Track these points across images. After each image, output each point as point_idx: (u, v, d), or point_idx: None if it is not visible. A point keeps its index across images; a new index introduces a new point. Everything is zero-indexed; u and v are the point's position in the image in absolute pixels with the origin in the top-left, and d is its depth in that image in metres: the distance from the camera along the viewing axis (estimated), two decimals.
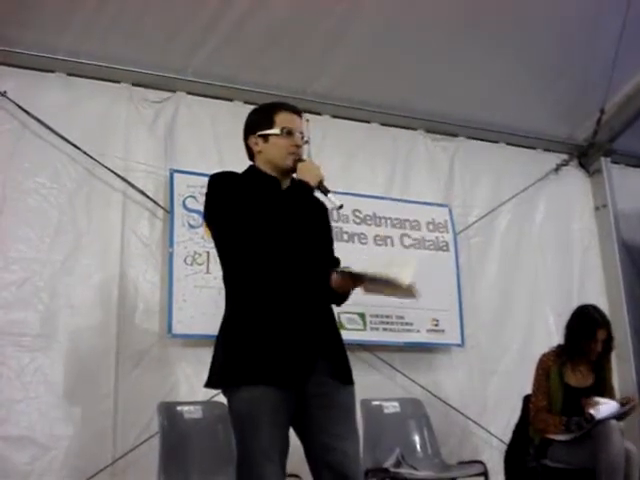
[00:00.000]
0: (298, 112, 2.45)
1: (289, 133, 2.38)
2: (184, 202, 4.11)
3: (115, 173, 4.02)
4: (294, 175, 2.38)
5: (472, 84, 4.67)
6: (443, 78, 4.56)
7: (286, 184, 2.41)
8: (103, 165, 4.00)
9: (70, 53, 3.98)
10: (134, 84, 4.24)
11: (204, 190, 4.07)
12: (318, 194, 2.40)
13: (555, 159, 5.46)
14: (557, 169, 5.43)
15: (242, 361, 2.21)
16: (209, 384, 2.32)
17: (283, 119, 2.39)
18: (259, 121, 2.43)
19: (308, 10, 4.04)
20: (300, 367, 2.21)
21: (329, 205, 2.44)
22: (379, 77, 4.43)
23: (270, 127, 2.39)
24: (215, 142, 4.36)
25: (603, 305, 4.82)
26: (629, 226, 5.46)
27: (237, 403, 2.23)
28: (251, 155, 2.48)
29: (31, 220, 3.81)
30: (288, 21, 4.06)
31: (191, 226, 4.09)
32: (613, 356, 4.49)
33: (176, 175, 4.14)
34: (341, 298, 2.41)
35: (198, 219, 4.11)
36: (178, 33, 4.02)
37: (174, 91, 4.35)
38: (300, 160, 2.39)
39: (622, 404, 3.72)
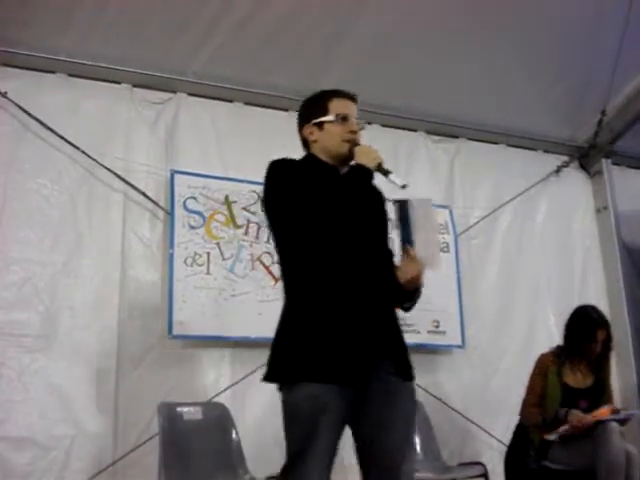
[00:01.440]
0: (353, 98, 2.42)
1: (344, 119, 2.35)
2: (185, 203, 4.11)
3: (116, 174, 4.03)
4: (352, 163, 2.33)
5: (473, 86, 4.67)
6: (444, 79, 4.56)
7: (344, 172, 2.36)
8: (104, 166, 4.00)
9: (71, 54, 3.98)
10: (135, 85, 4.24)
11: (204, 191, 4.17)
12: (378, 178, 2.36)
13: (556, 160, 5.46)
14: (558, 170, 5.43)
15: (304, 356, 2.12)
16: (267, 378, 2.21)
17: (337, 106, 2.37)
18: (313, 110, 2.40)
19: (308, 11, 4.04)
20: (364, 365, 2.13)
21: (393, 185, 2.36)
22: (380, 78, 4.42)
23: (324, 114, 2.36)
24: (216, 143, 4.37)
25: (604, 306, 4.83)
26: (630, 228, 5.45)
27: (295, 400, 2.13)
28: (306, 145, 2.43)
29: (32, 221, 3.81)
30: (289, 22, 4.06)
31: (191, 227, 4.09)
32: (613, 357, 4.50)
33: (177, 176, 4.14)
34: (410, 295, 2.33)
35: (198, 220, 4.11)
36: (179, 34, 4.03)
37: (175, 92, 4.35)
38: (356, 145, 2.35)
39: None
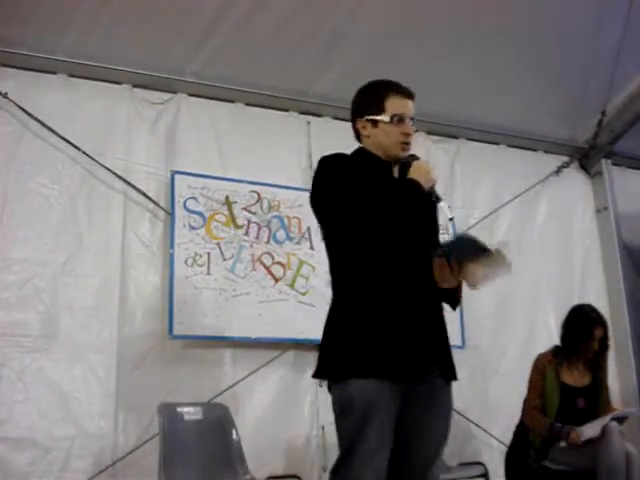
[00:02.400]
0: (411, 95, 2.33)
1: (400, 120, 2.27)
2: (185, 203, 4.11)
3: (116, 174, 4.03)
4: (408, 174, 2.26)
5: (473, 86, 4.67)
6: (444, 80, 4.56)
7: (397, 170, 2.32)
8: (104, 166, 4.00)
9: (71, 54, 3.99)
10: (135, 85, 4.25)
11: (205, 191, 4.17)
12: None
13: (556, 161, 5.46)
14: (558, 171, 5.43)
15: (356, 352, 2.10)
16: (317, 374, 2.19)
17: (394, 104, 2.27)
18: (368, 104, 2.30)
19: (309, 11, 4.04)
20: (417, 363, 2.11)
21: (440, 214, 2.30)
22: (380, 78, 4.42)
23: (380, 112, 2.27)
24: (216, 143, 4.37)
25: (603, 307, 4.83)
26: (630, 228, 5.45)
27: (347, 394, 2.09)
28: (358, 136, 2.38)
29: (32, 221, 3.81)
30: (289, 22, 4.06)
31: (192, 227, 4.09)
32: (613, 357, 4.51)
33: (177, 176, 4.15)
34: (452, 295, 2.27)
35: (199, 220, 4.12)
36: (179, 34, 4.03)
37: (175, 92, 4.35)
38: (414, 157, 2.29)
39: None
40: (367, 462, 2.04)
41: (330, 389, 2.18)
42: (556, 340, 4.16)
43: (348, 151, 2.33)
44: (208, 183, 4.20)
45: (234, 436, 3.59)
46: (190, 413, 3.60)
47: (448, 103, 4.81)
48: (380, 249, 2.16)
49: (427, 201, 2.23)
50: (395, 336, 2.11)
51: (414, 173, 2.23)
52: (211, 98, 4.44)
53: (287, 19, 4.04)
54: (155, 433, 3.56)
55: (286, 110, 4.34)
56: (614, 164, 5.58)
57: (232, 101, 4.48)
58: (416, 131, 5.10)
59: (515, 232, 5.14)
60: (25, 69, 3.98)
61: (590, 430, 3.63)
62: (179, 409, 3.60)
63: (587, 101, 5.07)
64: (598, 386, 3.92)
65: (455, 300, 2.30)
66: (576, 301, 4.49)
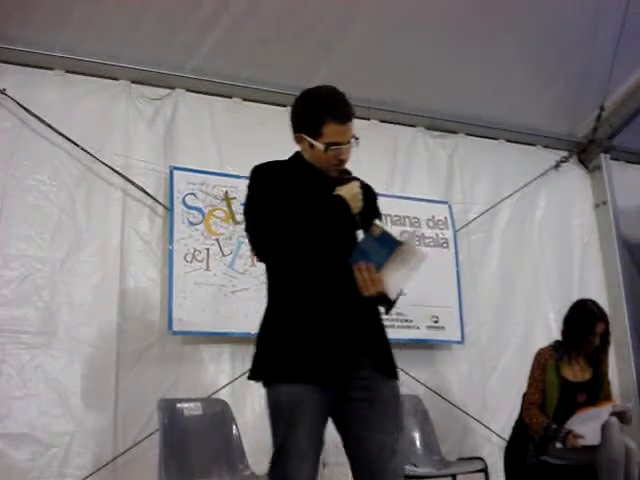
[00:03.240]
0: (349, 119, 2.28)
1: (335, 148, 2.25)
2: (184, 199, 4.11)
3: (115, 170, 4.02)
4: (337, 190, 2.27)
5: (472, 81, 4.67)
6: (442, 75, 4.56)
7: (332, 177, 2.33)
8: (103, 162, 4.00)
9: (69, 50, 3.98)
10: (133, 81, 4.24)
11: (203, 187, 4.17)
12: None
13: (555, 156, 5.46)
14: (557, 166, 5.43)
15: (283, 358, 2.17)
16: (252, 377, 2.28)
17: (330, 132, 2.24)
18: (306, 123, 2.28)
19: (307, 7, 4.04)
20: (341, 365, 2.17)
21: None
22: (378, 74, 4.43)
23: (316, 136, 2.25)
24: (214, 139, 4.37)
25: (603, 302, 4.83)
26: (629, 223, 5.46)
27: (277, 399, 2.20)
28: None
29: (31, 217, 3.81)
30: (286, 18, 4.06)
31: (191, 223, 4.09)
32: (613, 353, 4.50)
33: (176, 172, 4.14)
34: (383, 299, 2.26)
35: (198, 216, 4.11)
36: (177, 30, 4.02)
37: (173, 88, 4.35)
38: (348, 176, 2.31)
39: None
40: (296, 463, 2.12)
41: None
42: (555, 335, 4.16)
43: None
44: (207, 179, 4.20)
45: (234, 432, 3.59)
46: (190, 409, 3.60)
47: (447, 98, 4.81)
48: (303, 263, 2.21)
49: (350, 220, 2.24)
50: (318, 342, 2.16)
51: (345, 192, 2.24)
52: (209, 94, 4.43)
53: (285, 14, 4.04)
54: (155, 429, 3.56)
55: (284, 105, 4.32)
56: (613, 159, 5.58)
57: (230, 97, 4.48)
58: (415, 126, 5.15)
59: (514, 227, 5.15)
60: (23, 65, 3.97)
61: (590, 436, 3.60)
62: (179, 405, 3.60)
63: (586, 96, 5.07)
64: (599, 381, 3.92)
65: (387, 302, 2.30)
66: (575, 296, 4.49)
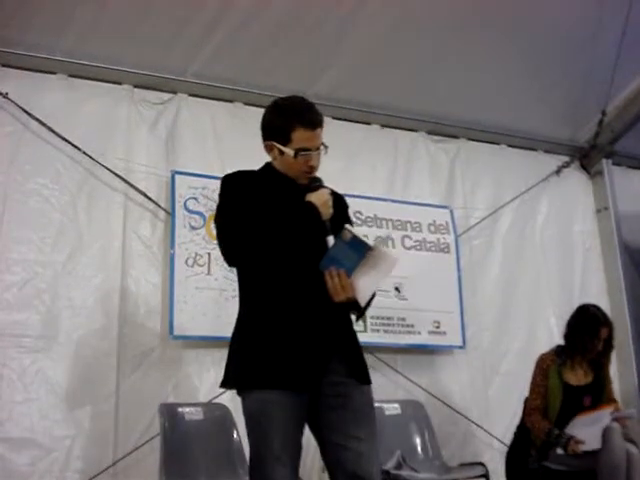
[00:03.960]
0: (317, 125, 2.30)
1: (304, 154, 2.27)
2: (185, 203, 4.11)
3: (116, 174, 4.03)
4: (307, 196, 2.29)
5: (473, 86, 4.67)
6: (444, 80, 4.57)
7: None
8: (104, 166, 4.00)
9: (71, 54, 3.98)
10: (135, 85, 4.24)
11: (205, 191, 4.16)
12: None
13: (556, 161, 5.46)
14: (558, 171, 5.43)
15: (254, 365, 2.19)
16: (224, 384, 2.31)
17: (299, 137, 2.26)
18: (275, 131, 2.31)
19: (309, 11, 4.04)
20: (312, 370, 2.18)
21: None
22: (380, 79, 4.43)
23: (285, 143, 2.27)
24: (216, 143, 4.37)
25: (604, 307, 4.80)
26: (630, 228, 5.45)
27: (250, 406, 2.22)
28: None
29: (32, 221, 3.81)
30: (289, 22, 4.06)
31: (192, 227, 4.09)
32: (614, 357, 4.49)
33: (177, 176, 4.14)
34: (353, 306, 2.26)
35: (199, 220, 4.11)
36: (179, 35, 4.03)
37: (175, 92, 4.35)
38: (318, 183, 2.32)
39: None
40: (273, 467, 2.13)
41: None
42: (557, 340, 4.16)
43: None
44: (208, 183, 4.19)
45: (235, 436, 3.59)
46: (191, 413, 3.61)
47: (448, 103, 4.81)
48: (273, 269, 2.23)
49: (320, 226, 2.25)
50: (288, 347, 2.18)
51: (315, 199, 2.26)
52: (211, 98, 4.44)
53: (287, 19, 4.04)
54: (156, 433, 3.56)
55: None
56: (614, 164, 5.58)
57: (232, 101, 4.49)
58: (416, 131, 5.15)
59: (515, 232, 5.15)
60: (26, 69, 3.97)
61: (590, 441, 3.60)
62: (180, 409, 3.60)
63: (587, 101, 5.07)
64: (601, 383, 3.92)
65: (357, 309, 2.29)
66: (577, 301, 4.49)
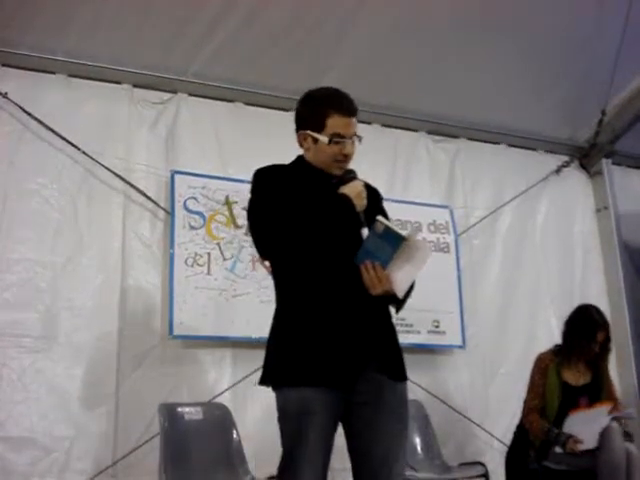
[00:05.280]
0: (353, 112, 2.30)
1: (338, 142, 2.25)
2: (185, 203, 4.11)
3: (116, 174, 4.02)
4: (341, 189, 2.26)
5: (473, 85, 4.67)
6: (444, 79, 4.56)
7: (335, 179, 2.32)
8: (104, 166, 4.00)
9: (71, 54, 3.98)
10: (135, 85, 4.24)
11: (205, 191, 4.17)
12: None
13: (556, 160, 5.46)
14: (558, 170, 5.43)
15: (291, 361, 2.17)
16: (262, 382, 2.27)
17: (334, 124, 2.25)
18: (309, 119, 2.29)
19: (309, 12, 4.04)
20: (349, 366, 2.15)
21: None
22: (380, 78, 4.43)
23: (320, 130, 2.26)
24: (216, 143, 4.37)
25: (604, 307, 4.82)
26: (630, 228, 5.45)
27: (285, 403, 2.19)
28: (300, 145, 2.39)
29: (32, 221, 3.81)
30: (289, 22, 4.06)
31: (192, 227, 4.09)
32: (614, 358, 4.49)
33: (177, 176, 4.14)
34: (392, 298, 2.24)
35: (199, 220, 4.11)
36: (179, 34, 4.03)
37: (175, 92, 4.35)
38: (352, 175, 2.30)
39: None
40: (305, 465, 2.12)
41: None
42: (557, 339, 4.16)
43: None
44: (208, 183, 4.20)
45: (235, 436, 3.58)
46: (190, 413, 3.60)
47: (449, 103, 4.81)
48: (308, 263, 2.20)
49: (354, 218, 2.23)
50: (325, 344, 2.15)
51: (349, 191, 2.24)
52: (211, 98, 4.44)
53: (287, 19, 4.04)
54: (155, 433, 3.56)
55: (286, 110, 4.33)
56: (614, 163, 5.58)
57: (232, 101, 4.48)
58: (417, 131, 5.15)
59: (515, 232, 5.15)
60: (25, 69, 3.97)
61: (588, 439, 3.61)
62: (179, 409, 3.60)
63: (587, 100, 5.07)
64: (599, 384, 3.93)
65: (396, 302, 2.28)
66: (577, 300, 4.49)
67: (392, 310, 2.35)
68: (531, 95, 4.89)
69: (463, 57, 4.46)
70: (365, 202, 2.25)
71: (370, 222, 2.18)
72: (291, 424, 2.16)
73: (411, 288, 2.28)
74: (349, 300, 2.20)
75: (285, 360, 2.19)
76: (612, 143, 5.44)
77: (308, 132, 2.29)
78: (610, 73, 4.70)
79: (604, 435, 3.55)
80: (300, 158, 2.40)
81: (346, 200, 2.21)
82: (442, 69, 4.50)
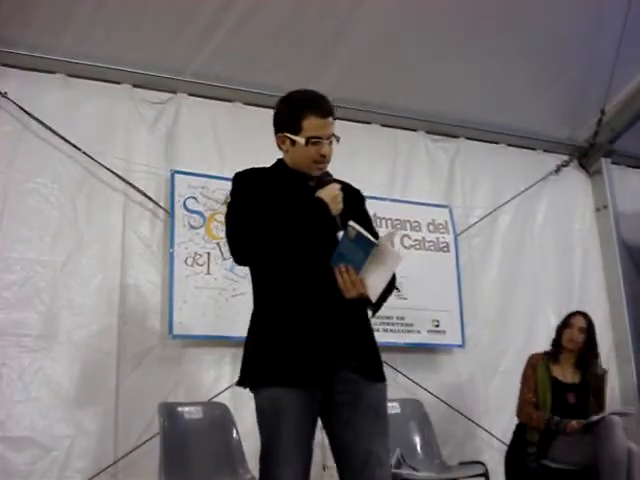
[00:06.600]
0: (329, 114, 2.31)
1: (315, 143, 2.26)
2: (185, 203, 4.11)
3: (116, 174, 4.03)
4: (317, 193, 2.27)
5: (472, 85, 4.68)
6: (444, 79, 4.57)
7: (312, 184, 2.33)
8: (104, 166, 4.00)
9: (70, 54, 3.98)
10: (135, 85, 4.24)
11: (204, 191, 4.17)
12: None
13: (555, 160, 5.47)
14: (557, 170, 5.43)
15: (265, 362, 2.20)
16: (239, 383, 2.30)
17: (311, 125, 2.26)
18: (286, 121, 2.32)
19: (308, 11, 4.05)
20: (322, 366, 2.17)
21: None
22: (379, 78, 4.43)
23: (297, 132, 2.27)
24: (216, 143, 4.37)
25: (604, 306, 4.85)
26: (629, 227, 5.46)
27: (261, 404, 2.22)
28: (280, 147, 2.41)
29: (32, 221, 3.81)
30: (288, 22, 4.07)
31: (192, 227, 4.09)
32: (613, 356, 4.51)
33: (177, 176, 4.15)
34: (367, 301, 2.25)
35: (199, 220, 4.12)
36: (178, 34, 4.03)
37: (175, 92, 4.35)
38: (329, 178, 2.31)
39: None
40: (282, 463, 2.14)
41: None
42: None
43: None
44: (208, 182, 4.20)
45: (234, 435, 3.59)
46: (190, 412, 3.61)
47: (448, 103, 4.82)
48: (283, 266, 2.22)
49: (330, 222, 2.23)
50: (298, 345, 2.18)
51: (324, 194, 2.24)
52: (211, 98, 4.44)
53: (287, 19, 4.04)
54: (155, 432, 3.56)
55: None
56: (613, 163, 5.59)
57: (232, 101, 4.48)
58: (416, 130, 5.15)
59: (515, 231, 5.15)
60: (25, 69, 3.97)
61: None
62: (179, 408, 3.60)
63: (586, 100, 5.08)
64: (588, 385, 3.98)
65: (372, 305, 2.29)
66: (576, 299, 4.51)
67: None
68: (530, 95, 4.89)
69: (462, 57, 4.47)
70: (341, 206, 2.25)
71: (346, 225, 2.19)
72: (267, 424, 2.19)
73: (389, 292, 2.30)
74: (324, 302, 2.21)
75: (260, 361, 2.22)
76: (611, 142, 5.44)
77: (285, 134, 2.32)
78: (609, 73, 4.71)
79: (605, 429, 3.56)
80: (280, 161, 2.42)
81: (321, 204, 2.22)
82: (441, 69, 4.50)
